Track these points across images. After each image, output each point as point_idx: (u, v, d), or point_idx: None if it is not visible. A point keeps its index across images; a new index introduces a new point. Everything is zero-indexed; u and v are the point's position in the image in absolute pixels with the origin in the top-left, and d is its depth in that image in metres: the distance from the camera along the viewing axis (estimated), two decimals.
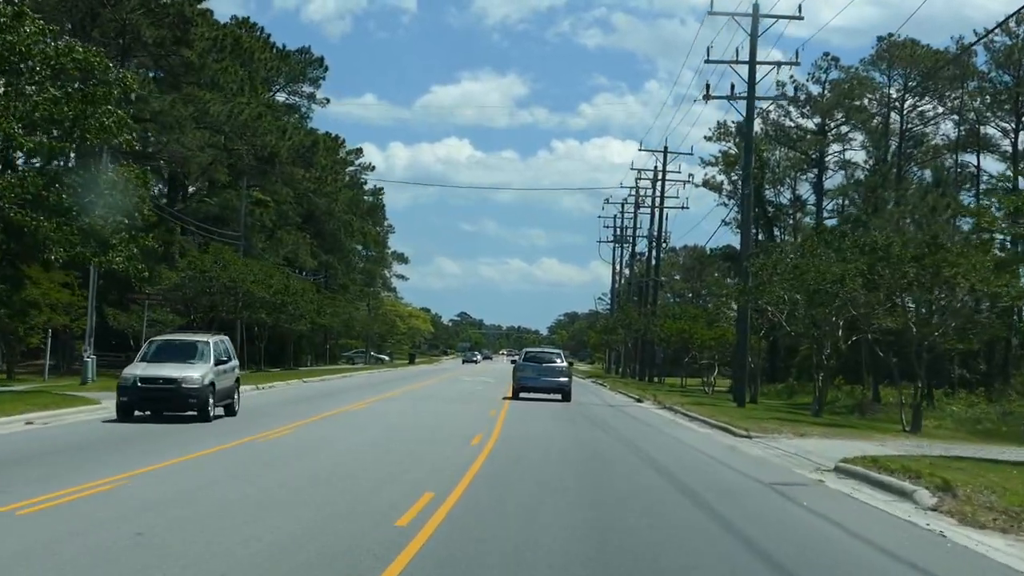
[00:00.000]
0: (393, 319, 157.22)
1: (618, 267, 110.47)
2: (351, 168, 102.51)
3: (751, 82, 41.47)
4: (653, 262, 72.63)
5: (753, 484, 15.86)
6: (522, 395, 40.97)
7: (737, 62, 41.94)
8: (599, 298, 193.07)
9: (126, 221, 29.24)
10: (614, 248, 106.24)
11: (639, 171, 74.53)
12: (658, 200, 72.66)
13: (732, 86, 42.29)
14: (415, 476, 15.07)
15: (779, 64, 42.46)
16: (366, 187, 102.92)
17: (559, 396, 40.49)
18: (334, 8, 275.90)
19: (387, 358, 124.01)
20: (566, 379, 41.01)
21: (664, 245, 70.37)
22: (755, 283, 38.01)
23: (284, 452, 17.98)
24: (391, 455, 17.97)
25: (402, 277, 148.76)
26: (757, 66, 41.55)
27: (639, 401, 46.47)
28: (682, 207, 70.23)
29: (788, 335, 59.15)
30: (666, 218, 71.08)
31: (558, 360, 42.36)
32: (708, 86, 44.72)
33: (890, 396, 60.44)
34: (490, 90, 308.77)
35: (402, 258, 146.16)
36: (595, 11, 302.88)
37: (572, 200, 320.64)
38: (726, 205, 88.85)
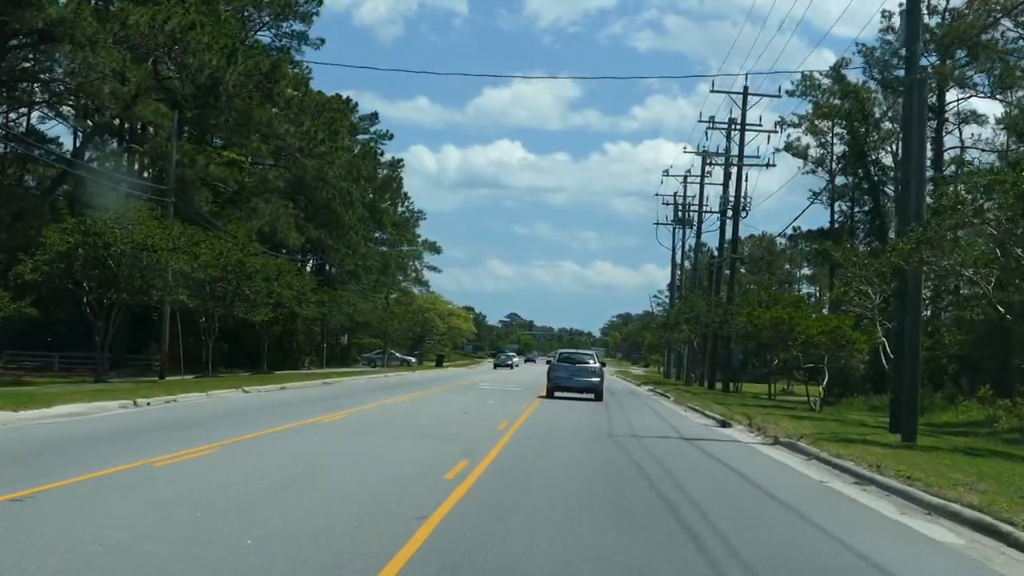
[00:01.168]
0: (432, 317, 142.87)
1: (679, 255, 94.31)
2: (364, 136, 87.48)
3: None
4: (729, 235, 56.53)
5: None
6: (556, 394, 42.24)
7: None
8: (654, 296, 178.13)
9: None
10: (674, 230, 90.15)
11: (710, 121, 58.31)
12: (731, 159, 56.60)
13: None
14: None
15: None
16: (382, 158, 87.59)
17: (592, 395, 41.70)
18: (385, 12, 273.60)
19: (414, 360, 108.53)
20: (598, 379, 42.20)
21: (744, 214, 54.46)
22: (935, 226, 21.73)
23: None
24: None
25: (434, 269, 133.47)
26: None
27: (724, 426, 30.56)
28: (767, 164, 54.18)
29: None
30: (745, 179, 54.89)
31: (590, 361, 43.51)
32: None
33: None
34: (542, 92, 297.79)
35: (434, 247, 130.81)
36: (646, 13, 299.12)
37: (625, 202, 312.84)
38: (814, 172, 72.56)
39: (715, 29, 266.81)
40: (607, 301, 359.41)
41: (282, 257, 58.00)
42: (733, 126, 55.37)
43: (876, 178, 62.23)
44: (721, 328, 53.64)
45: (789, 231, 74.43)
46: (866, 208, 65.32)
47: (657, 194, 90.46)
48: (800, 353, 40.03)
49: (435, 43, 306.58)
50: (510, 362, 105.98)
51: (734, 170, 55.79)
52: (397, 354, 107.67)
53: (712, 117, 59.04)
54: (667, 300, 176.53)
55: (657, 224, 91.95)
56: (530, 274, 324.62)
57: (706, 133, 59.21)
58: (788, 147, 71.75)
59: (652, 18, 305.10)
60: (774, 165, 58.15)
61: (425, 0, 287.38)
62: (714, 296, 61.07)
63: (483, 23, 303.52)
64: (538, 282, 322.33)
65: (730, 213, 54.71)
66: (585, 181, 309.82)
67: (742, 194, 54.17)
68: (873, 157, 61.35)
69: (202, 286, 43.42)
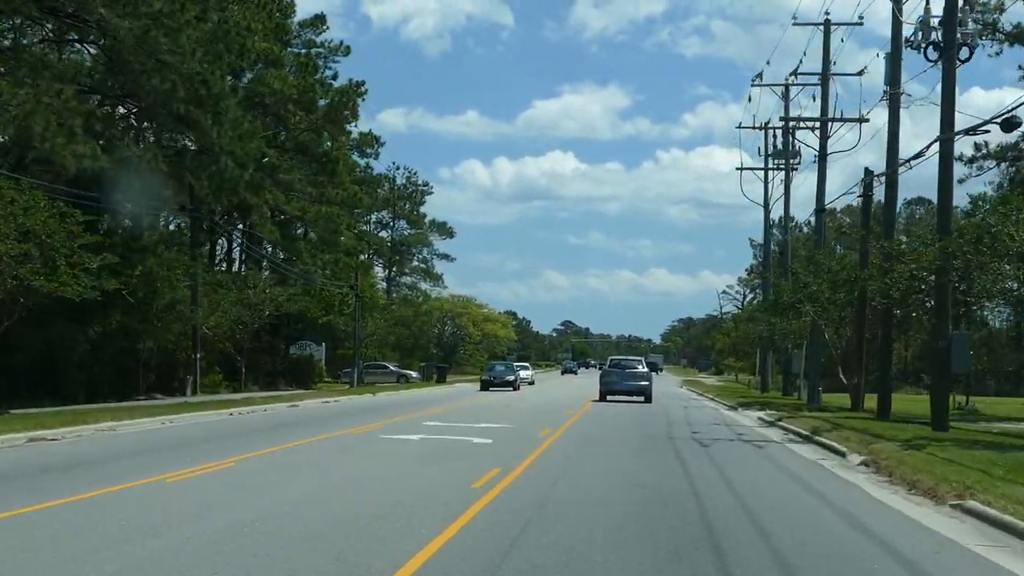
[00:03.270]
0: (465, 323, 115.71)
1: (773, 208, 65.23)
2: (316, 50, 59.75)
3: None
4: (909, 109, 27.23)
5: None
6: (608, 398, 43.57)
7: None
8: (723, 292, 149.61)
9: None
10: (766, 166, 61.14)
11: None
12: None
13: None
14: None
15: None
16: (335, 81, 59.49)
17: (641, 398, 43.27)
18: (432, 27, 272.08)
19: (415, 375, 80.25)
20: (646, 383, 44.21)
21: (964, 53, 25.25)
22: None
23: None
24: None
25: (446, 257, 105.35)
26: None
27: None
28: None
29: None
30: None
31: (639, 367, 46.47)
32: None
33: None
34: (591, 102, 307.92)
35: (444, 229, 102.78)
36: (693, 19, 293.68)
37: (679, 209, 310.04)
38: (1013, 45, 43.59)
39: (763, 34, 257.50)
40: (665, 308, 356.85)
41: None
42: None
43: None
44: (906, 299, 24.77)
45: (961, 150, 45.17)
46: None
47: (740, 126, 61.94)
48: None
49: (482, 56, 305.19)
50: (509, 378, 61.03)
51: None
52: (392, 367, 79.78)
53: None
54: (740, 293, 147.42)
55: (741, 169, 63.05)
56: (586, 283, 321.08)
57: None
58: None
59: (699, 24, 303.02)
60: None
61: (472, 14, 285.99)
62: (876, 243, 32.27)
63: (530, 34, 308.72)
64: (595, 291, 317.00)
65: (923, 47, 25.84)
66: (638, 189, 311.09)
67: (961, 7, 25.29)
68: None
69: None
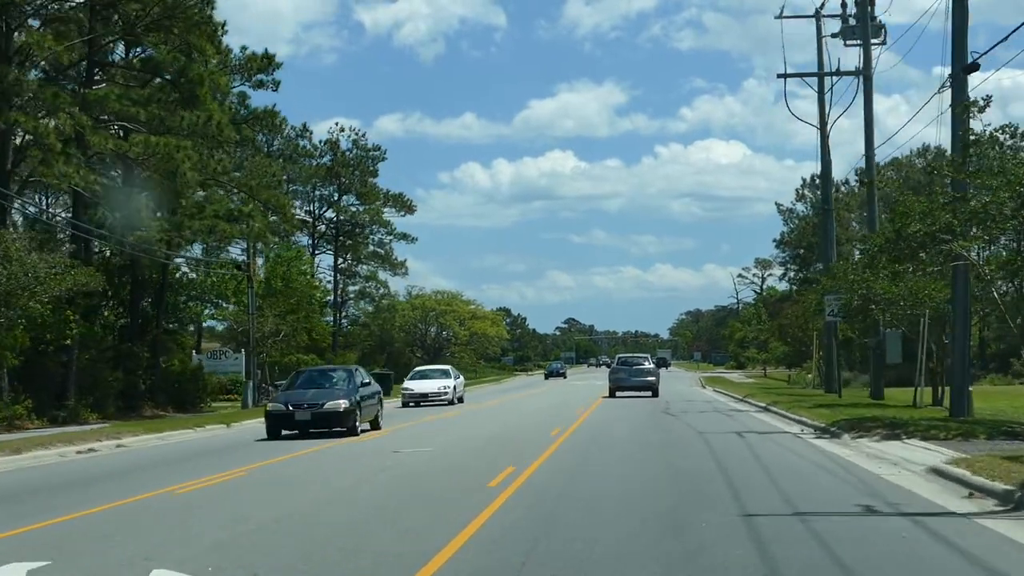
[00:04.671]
0: (450, 322, 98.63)
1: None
2: None
3: None
4: None
5: None
6: (617, 393, 45.01)
7: None
8: (739, 275, 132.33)
9: None
10: (819, 69, 42.01)
11: None
12: None
13: None
14: None
15: None
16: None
17: (649, 393, 44.58)
18: (426, 31, 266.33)
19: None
20: (654, 378, 46.03)
21: None
22: None
23: None
24: None
25: (405, 237, 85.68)
26: None
27: None
28: None
29: None
30: None
31: (646, 363, 48.48)
32: None
33: None
34: (588, 100, 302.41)
35: (402, 202, 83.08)
36: (685, 12, 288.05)
37: (681, 204, 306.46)
38: None
39: (756, 24, 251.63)
40: (670, 303, 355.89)
41: None
42: None
43: None
44: None
45: None
46: None
47: (780, 15, 42.08)
48: None
49: (477, 58, 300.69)
50: (335, 406, 25.39)
51: None
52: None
53: None
54: (758, 276, 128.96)
55: (785, 76, 44.14)
56: (591, 282, 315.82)
57: None
58: None
59: (692, 17, 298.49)
60: None
61: (465, 17, 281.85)
62: None
63: (523, 35, 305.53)
64: (600, 289, 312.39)
65: None
66: (639, 185, 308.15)
67: None
68: None
69: None
